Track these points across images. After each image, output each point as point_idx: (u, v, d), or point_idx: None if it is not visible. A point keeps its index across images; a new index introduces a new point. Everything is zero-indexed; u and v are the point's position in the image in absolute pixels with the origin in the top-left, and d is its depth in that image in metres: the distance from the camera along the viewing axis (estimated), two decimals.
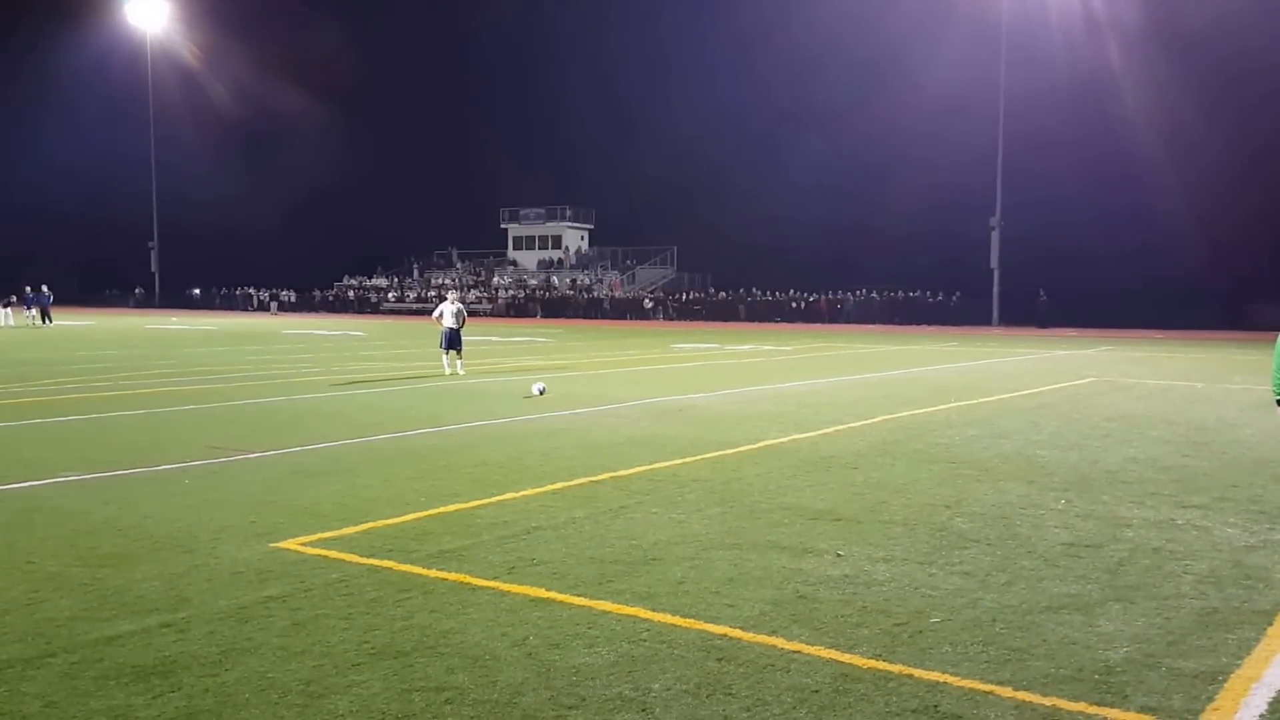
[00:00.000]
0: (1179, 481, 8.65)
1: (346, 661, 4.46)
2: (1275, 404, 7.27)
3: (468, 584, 5.59)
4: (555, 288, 66.66)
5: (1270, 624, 5.03)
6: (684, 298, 60.95)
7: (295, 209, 76.79)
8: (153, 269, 77.34)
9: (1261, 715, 3.99)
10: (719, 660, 4.50)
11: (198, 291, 79.13)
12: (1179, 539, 6.70)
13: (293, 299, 73.60)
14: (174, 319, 53.59)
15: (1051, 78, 50.88)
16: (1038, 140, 49.62)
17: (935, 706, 4.03)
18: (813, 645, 4.68)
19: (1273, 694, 4.18)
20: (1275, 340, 7.29)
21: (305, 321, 52.78)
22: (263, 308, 72.49)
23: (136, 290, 79.76)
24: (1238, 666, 4.47)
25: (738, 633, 4.84)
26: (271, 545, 6.36)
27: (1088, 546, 6.47)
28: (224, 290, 78.74)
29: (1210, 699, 4.12)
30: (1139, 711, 4.00)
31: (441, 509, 7.37)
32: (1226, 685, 4.27)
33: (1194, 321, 41.68)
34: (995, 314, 49.82)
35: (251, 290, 76.68)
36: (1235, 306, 42.67)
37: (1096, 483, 8.57)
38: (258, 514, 7.20)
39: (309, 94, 78.31)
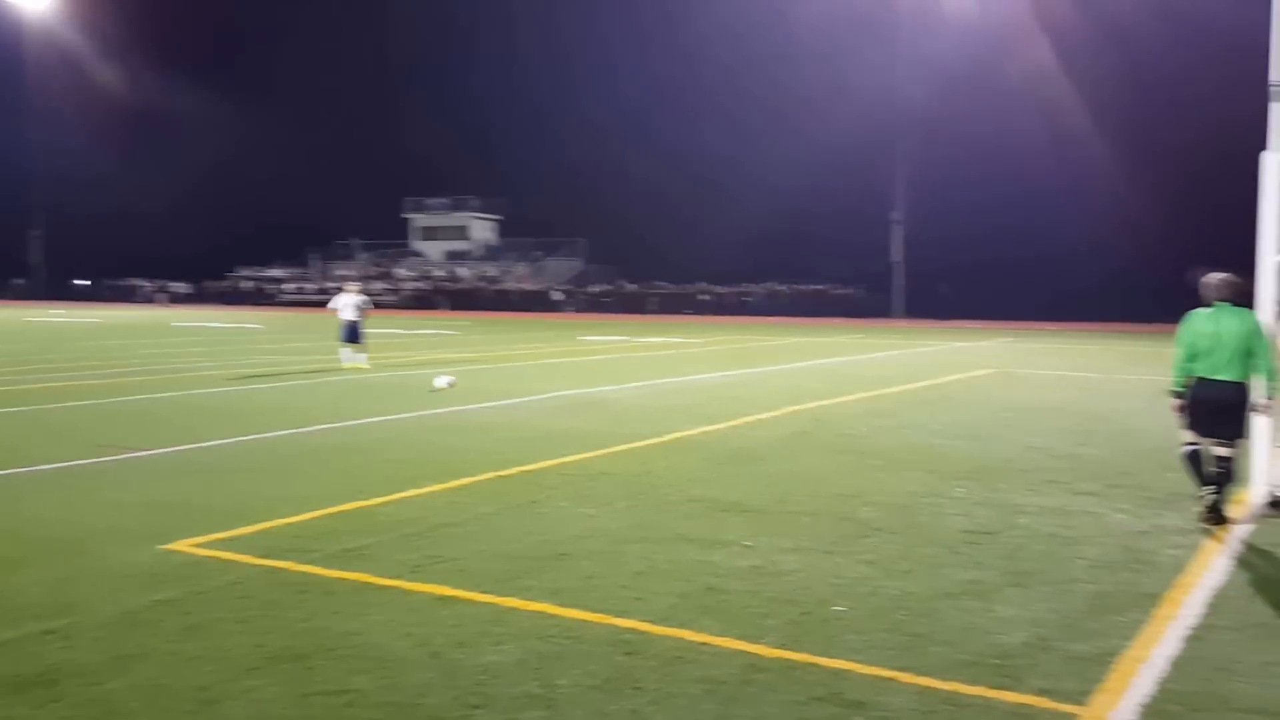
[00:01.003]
0: (1073, 469, 8.97)
1: (242, 666, 4.30)
2: (1170, 395, 7.13)
3: (370, 584, 5.44)
4: (462, 280, 65.79)
5: (1157, 606, 5.25)
6: (593, 290, 60.87)
7: (186, 196, 73.68)
8: (33, 259, 73.46)
9: (1149, 695, 4.15)
10: (627, 654, 4.47)
11: (84, 282, 75.32)
12: (1072, 525, 6.94)
13: (185, 290, 70.87)
14: (57, 311, 51.08)
15: (952, 75, 52.27)
16: (940, 136, 51.06)
17: (839, 694, 4.08)
18: (721, 636, 4.69)
19: (1159, 674, 4.36)
20: (1176, 333, 7.11)
21: (198, 314, 50.88)
22: (151, 300, 69.62)
23: (15, 281, 75.59)
24: (1126, 648, 4.65)
25: (647, 626, 4.82)
26: (162, 547, 6.09)
27: (986, 533, 6.66)
28: (110, 281, 75.21)
29: (1100, 680, 4.27)
30: (1033, 694, 4.11)
31: (343, 507, 7.17)
32: (1115, 667, 4.43)
33: (1089, 314, 43.30)
34: (898, 306, 51.11)
35: (140, 281, 73.46)
36: (1127, 301, 44.45)
37: (994, 471, 8.84)
38: (148, 515, 6.90)
39: (201, 75, 75.26)
